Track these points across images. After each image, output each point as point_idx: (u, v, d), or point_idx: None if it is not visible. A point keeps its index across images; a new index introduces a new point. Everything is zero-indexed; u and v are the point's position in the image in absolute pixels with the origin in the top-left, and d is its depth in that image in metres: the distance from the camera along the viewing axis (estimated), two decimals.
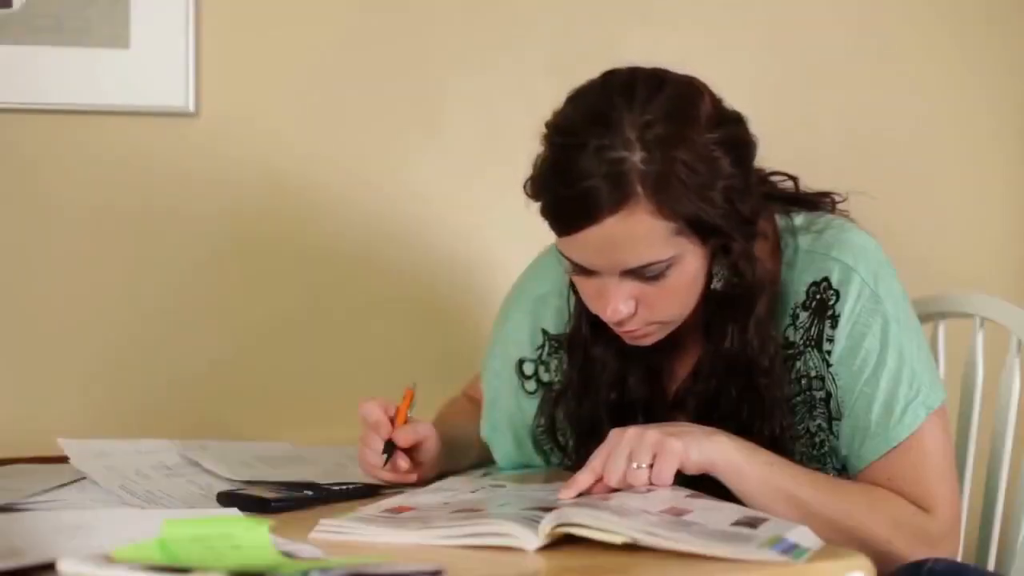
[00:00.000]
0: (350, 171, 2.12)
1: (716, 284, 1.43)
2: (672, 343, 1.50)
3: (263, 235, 2.08)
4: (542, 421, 1.60)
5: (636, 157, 1.33)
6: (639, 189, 1.33)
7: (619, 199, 1.33)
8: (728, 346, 1.45)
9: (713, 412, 1.46)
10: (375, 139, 2.13)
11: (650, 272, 1.38)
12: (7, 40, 1.95)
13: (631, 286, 1.39)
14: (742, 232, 1.41)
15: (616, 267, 1.38)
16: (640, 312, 1.41)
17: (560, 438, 1.59)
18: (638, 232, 1.35)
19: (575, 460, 1.57)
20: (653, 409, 1.52)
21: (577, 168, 1.34)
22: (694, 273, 1.41)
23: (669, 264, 1.38)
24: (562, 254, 1.42)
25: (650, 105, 1.35)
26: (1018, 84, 2.42)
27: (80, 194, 2.02)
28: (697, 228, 1.37)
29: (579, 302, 1.52)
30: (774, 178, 1.54)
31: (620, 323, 1.43)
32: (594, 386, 1.54)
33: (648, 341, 1.46)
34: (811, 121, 2.32)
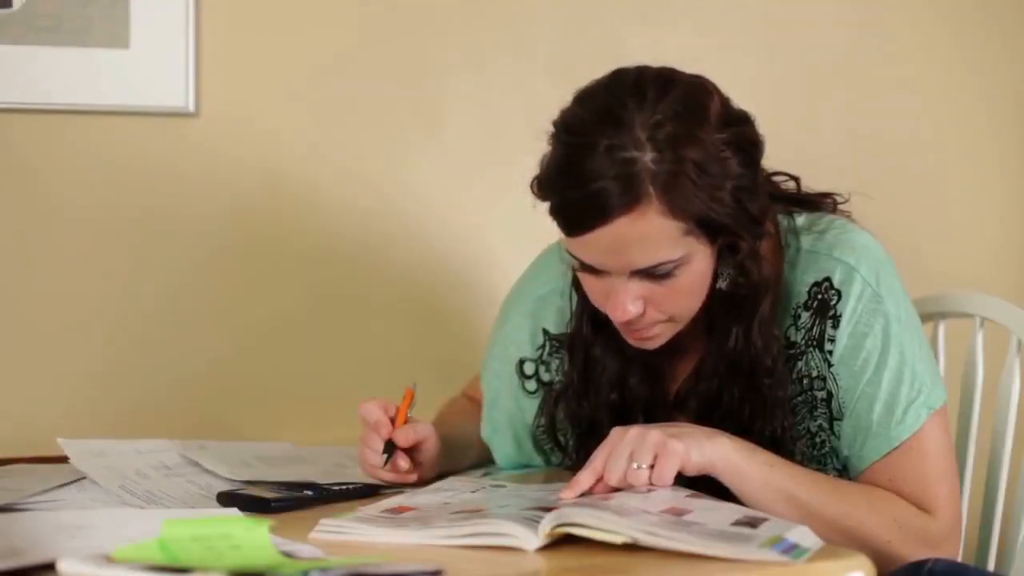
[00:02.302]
0: (350, 171, 2.12)
1: (722, 284, 1.42)
2: (673, 344, 1.50)
3: (263, 235, 2.08)
4: (542, 421, 1.60)
5: (647, 157, 1.33)
6: (650, 189, 1.33)
7: (630, 200, 1.33)
8: (732, 346, 1.45)
9: (715, 412, 1.46)
10: (375, 139, 2.13)
11: (659, 272, 1.37)
12: (7, 40, 1.95)
13: (640, 286, 1.39)
14: (750, 231, 1.41)
15: (626, 267, 1.38)
16: (648, 312, 1.41)
17: (560, 438, 1.59)
18: (648, 232, 1.34)
19: (575, 460, 1.57)
20: (654, 409, 1.52)
21: (587, 168, 1.34)
22: (703, 272, 1.41)
23: (678, 264, 1.37)
24: (570, 254, 1.41)
25: (660, 105, 1.35)
26: (1018, 84, 2.42)
27: (80, 194, 2.02)
28: (706, 228, 1.37)
29: (581, 302, 1.52)
30: (776, 178, 1.54)
31: (628, 324, 1.43)
32: (594, 386, 1.54)
33: (655, 343, 1.46)
34: (811, 121, 2.32)
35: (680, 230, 1.35)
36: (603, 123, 1.35)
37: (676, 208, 1.34)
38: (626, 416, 1.50)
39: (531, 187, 1.42)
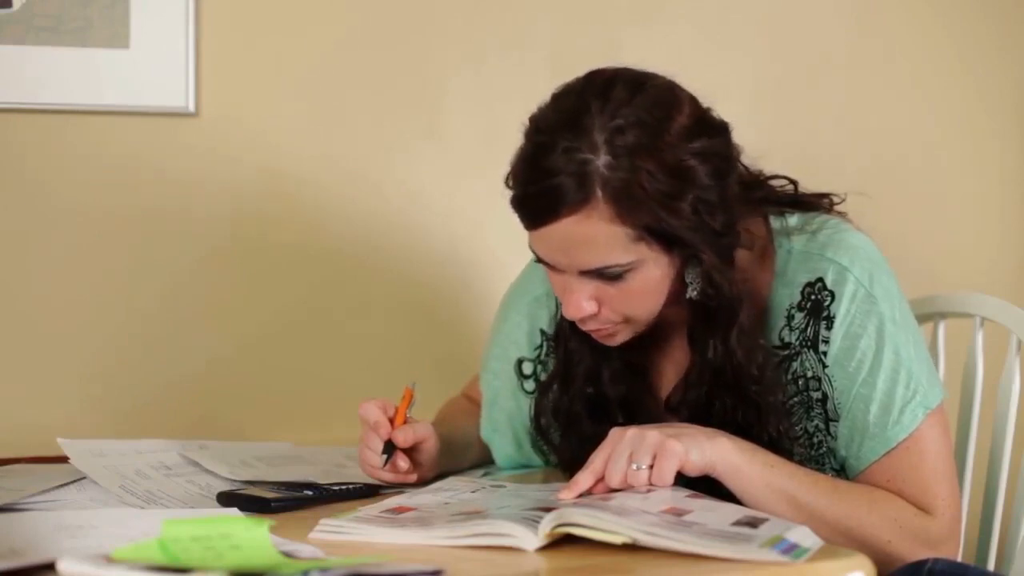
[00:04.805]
0: (350, 171, 2.12)
1: (691, 293, 1.42)
2: (654, 341, 1.50)
3: (263, 235, 2.08)
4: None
5: (601, 161, 1.34)
6: (598, 192, 1.34)
7: (579, 200, 1.34)
8: (711, 356, 1.45)
9: (708, 419, 1.45)
10: (375, 139, 2.13)
11: (608, 274, 1.38)
12: (7, 40, 1.95)
13: (592, 286, 1.40)
14: (712, 245, 1.39)
15: (575, 266, 1.39)
16: (603, 311, 1.42)
17: (551, 436, 1.59)
18: (595, 235, 1.35)
19: (561, 456, 1.57)
20: (640, 406, 1.52)
21: (545, 165, 1.35)
22: (657, 280, 1.40)
23: (628, 269, 1.38)
24: (531, 247, 1.42)
25: (623, 110, 1.35)
26: (1018, 84, 2.42)
27: (80, 194, 2.02)
28: (660, 237, 1.37)
29: None
30: (774, 182, 1.54)
31: (583, 321, 1.44)
32: (572, 378, 1.54)
33: (614, 341, 1.46)
34: (811, 121, 2.32)
35: (629, 236, 1.35)
36: (565, 124, 1.36)
37: (624, 215, 1.34)
38: (604, 412, 1.51)
39: (505, 180, 1.43)
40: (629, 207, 1.34)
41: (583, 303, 1.41)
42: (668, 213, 1.35)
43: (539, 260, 1.43)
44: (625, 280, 1.39)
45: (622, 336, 1.46)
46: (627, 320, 1.44)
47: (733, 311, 1.43)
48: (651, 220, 1.35)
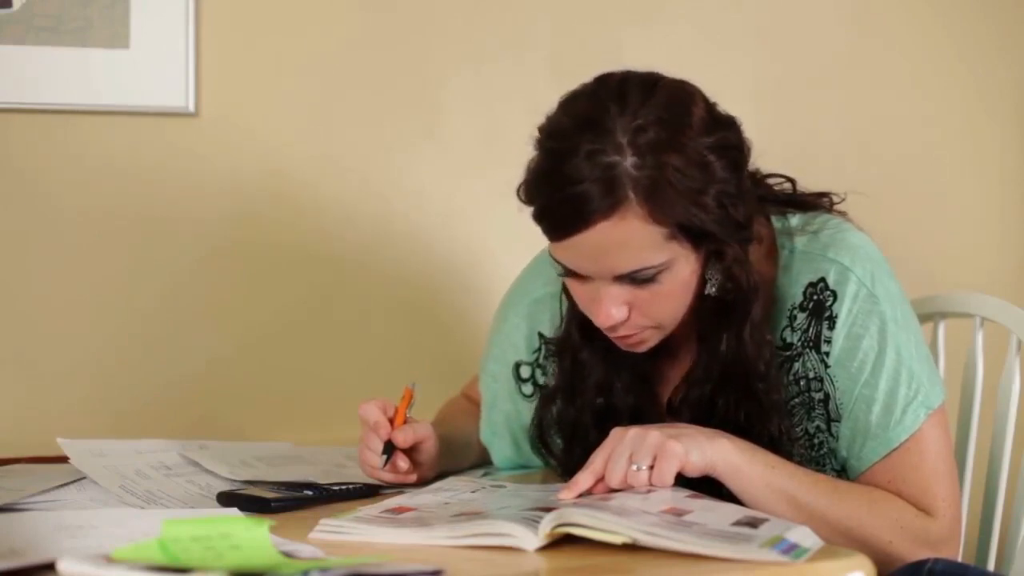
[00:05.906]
0: (350, 171, 2.12)
1: (710, 289, 1.42)
2: (664, 349, 1.50)
3: (263, 235, 2.08)
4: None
5: (628, 162, 1.33)
6: (630, 194, 1.33)
7: (611, 204, 1.33)
8: (723, 351, 1.44)
9: (711, 418, 1.45)
10: (375, 139, 2.13)
11: (642, 277, 1.37)
12: (7, 40, 1.95)
13: (624, 291, 1.39)
14: (736, 237, 1.40)
15: (608, 272, 1.38)
16: (633, 317, 1.41)
17: (550, 442, 1.58)
18: (630, 237, 1.34)
19: (563, 464, 1.56)
20: (645, 415, 1.52)
21: (568, 172, 1.34)
22: (687, 278, 1.40)
23: (661, 269, 1.37)
24: (555, 259, 1.41)
25: (642, 110, 1.35)
26: (1018, 84, 2.42)
27: (79, 194, 2.02)
28: (689, 233, 1.36)
29: (571, 306, 1.51)
30: (771, 180, 1.54)
31: (613, 328, 1.42)
32: (580, 391, 1.53)
33: (643, 347, 1.46)
34: (811, 121, 2.32)
35: (662, 235, 1.35)
36: (585, 128, 1.35)
37: (657, 213, 1.33)
38: (612, 421, 1.50)
39: (517, 193, 1.41)
40: (661, 205, 1.33)
41: (613, 310, 1.39)
42: (697, 207, 1.35)
43: (565, 272, 1.41)
44: (658, 281, 1.38)
45: (651, 342, 1.45)
46: (657, 325, 1.43)
47: (748, 303, 1.43)
48: (683, 216, 1.34)
